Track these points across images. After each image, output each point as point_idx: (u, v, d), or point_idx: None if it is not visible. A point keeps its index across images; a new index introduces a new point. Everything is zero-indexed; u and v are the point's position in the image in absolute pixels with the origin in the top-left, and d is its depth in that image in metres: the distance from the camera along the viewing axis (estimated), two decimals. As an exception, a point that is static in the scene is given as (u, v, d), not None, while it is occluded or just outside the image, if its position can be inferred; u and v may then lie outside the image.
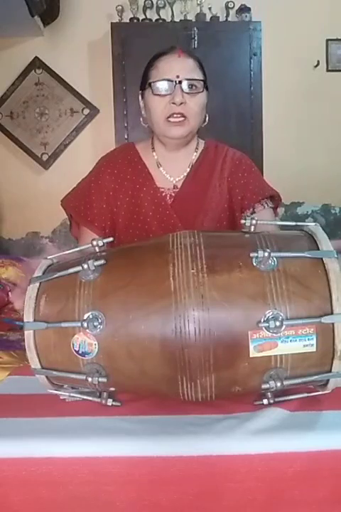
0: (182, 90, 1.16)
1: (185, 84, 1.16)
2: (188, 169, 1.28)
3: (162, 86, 1.17)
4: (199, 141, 1.32)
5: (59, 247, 3.27)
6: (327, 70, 3.29)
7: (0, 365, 1.39)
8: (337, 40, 3.25)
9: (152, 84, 1.18)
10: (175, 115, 1.17)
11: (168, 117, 1.17)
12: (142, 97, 1.26)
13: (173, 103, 1.16)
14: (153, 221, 1.24)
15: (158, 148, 1.29)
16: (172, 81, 1.16)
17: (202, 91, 1.19)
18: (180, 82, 1.16)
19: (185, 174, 1.28)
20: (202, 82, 1.19)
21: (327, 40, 3.26)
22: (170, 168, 1.28)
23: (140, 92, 1.27)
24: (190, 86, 1.17)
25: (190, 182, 1.27)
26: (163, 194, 1.26)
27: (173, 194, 1.26)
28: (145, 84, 1.22)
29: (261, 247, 0.70)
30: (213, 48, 2.89)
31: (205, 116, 1.24)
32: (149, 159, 1.29)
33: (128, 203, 1.26)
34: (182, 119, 1.18)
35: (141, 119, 1.29)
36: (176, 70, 1.17)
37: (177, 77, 1.16)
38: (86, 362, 0.71)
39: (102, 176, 1.27)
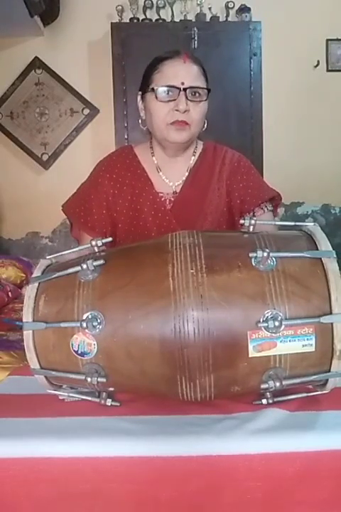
0: (186, 97, 1.14)
1: (189, 92, 1.14)
2: (187, 173, 1.27)
3: (166, 92, 1.15)
4: (198, 143, 1.30)
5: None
6: (327, 70, 3.29)
7: (0, 365, 1.39)
8: (337, 40, 3.26)
9: (155, 89, 1.15)
10: (178, 123, 1.15)
11: (171, 123, 1.16)
12: (142, 99, 1.23)
13: (177, 110, 1.14)
14: (153, 226, 1.23)
15: (157, 152, 1.27)
16: (177, 87, 1.14)
17: (205, 99, 1.18)
18: (184, 89, 1.13)
19: (184, 178, 1.26)
20: (206, 91, 1.17)
21: (327, 40, 3.26)
22: (169, 173, 1.27)
23: (140, 93, 1.24)
24: (194, 93, 1.15)
25: (188, 186, 1.26)
26: (163, 199, 1.25)
27: (172, 199, 1.25)
28: (146, 86, 1.19)
29: (260, 247, 0.70)
30: (213, 48, 2.89)
31: (204, 123, 1.23)
32: (148, 163, 1.28)
33: (128, 208, 1.25)
34: (185, 125, 1.16)
35: (140, 122, 1.26)
36: (181, 76, 1.14)
37: (182, 83, 1.14)
38: (85, 362, 0.72)
39: (101, 181, 1.26)
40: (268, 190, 1.28)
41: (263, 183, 1.31)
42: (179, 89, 1.14)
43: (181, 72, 1.15)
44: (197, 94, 1.16)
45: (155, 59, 1.20)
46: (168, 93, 1.15)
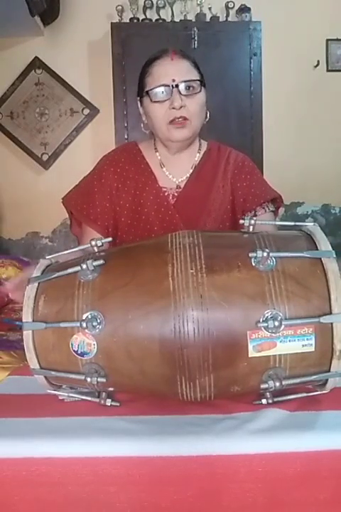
0: (180, 93, 1.15)
1: (182, 87, 1.15)
2: (191, 170, 1.28)
3: (159, 92, 1.16)
4: (201, 142, 1.32)
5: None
6: (327, 70, 3.29)
7: (0, 365, 1.39)
8: (337, 40, 3.26)
9: (149, 91, 1.17)
10: (176, 120, 1.16)
11: (170, 122, 1.17)
12: (141, 104, 1.25)
13: (173, 108, 1.15)
14: (155, 221, 1.24)
15: (160, 150, 1.28)
16: (168, 86, 1.15)
17: (200, 90, 1.19)
18: (176, 85, 1.15)
19: (188, 175, 1.27)
20: (198, 82, 1.18)
21: (327, 40, 3.26)
22: (173, 169, 1.28)
23: (138, 99, 1.26)
24: (187, 87, 1.16)
25: (193, 183, 1.27)
26: (166, 194, 1.26)
27: (176, 194, 1.26)
28: (142, 91, 1.22)
29: (260, 247, 0.70)
30: (213, 48, 2.89)
31: (206, 114, 1.24)
32: (152, 159, 1.29)
33: (131, 202, 1.25)
34: (185, 121, 1.17)
35: (142, 125, 1.28)
36: (171, 73, 1.16)
37: (173, 80, 1.15)
38: (85, 362, 0.72)
39: (105, 174, 1.26)
40: (271, 191, 1.29)
41: (266, 183, 1.33)
42: (171, 86, 1.15)
43: (170, 70, 1.17)
44: (190, 88, 1.17)
45: (145, 63, 1.22)
46: (161, 93, 1.16)
